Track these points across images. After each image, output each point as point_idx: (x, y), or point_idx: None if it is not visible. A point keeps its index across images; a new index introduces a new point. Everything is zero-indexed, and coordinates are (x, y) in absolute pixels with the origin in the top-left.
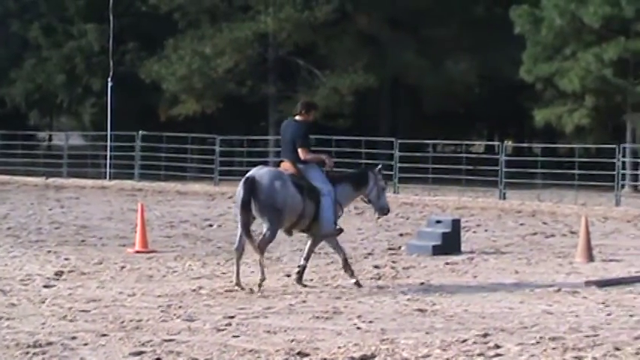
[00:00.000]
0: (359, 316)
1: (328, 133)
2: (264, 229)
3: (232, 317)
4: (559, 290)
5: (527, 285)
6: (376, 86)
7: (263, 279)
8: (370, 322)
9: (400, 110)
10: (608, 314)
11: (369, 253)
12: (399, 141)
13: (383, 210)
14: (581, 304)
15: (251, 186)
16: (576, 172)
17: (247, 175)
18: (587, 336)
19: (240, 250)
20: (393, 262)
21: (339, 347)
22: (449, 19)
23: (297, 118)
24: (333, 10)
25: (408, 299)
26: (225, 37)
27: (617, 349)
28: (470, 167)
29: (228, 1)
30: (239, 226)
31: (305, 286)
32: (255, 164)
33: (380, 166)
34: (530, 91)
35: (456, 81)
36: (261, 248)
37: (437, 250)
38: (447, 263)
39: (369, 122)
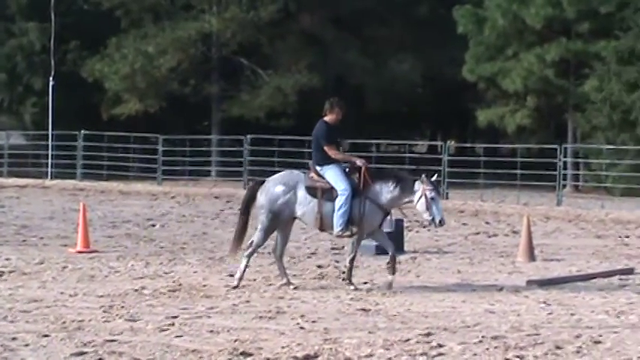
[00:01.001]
0: (302, 316)
1: (272, 132)
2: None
3: (175, 317)
4: (501, 289)
5: (470, 284)
6: (320, 86)
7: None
8: (313, 321)
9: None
10: (550, 313)
11: (313, 253)
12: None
13: (433, 222)
14: (523, 303)
15: (253, 188)
16: (518, 172)
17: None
18: (529, 335)
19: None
20: (337, 261)
21: (283, 347)
22: (392, 19)
23: (325, 117)
24: (278, 10)
25: (352, 299)
26: (169, 36)
27: (558, 347)
28: (413, 167)
29: (172, 0)
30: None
31: (356, 288)
32: (198, 164)
33: (435, 175)
34: (472, 91)
35: (399, 81)
36: (249, 253)
37: (380, 250)
38: (388, 263)
39: (313, 122)
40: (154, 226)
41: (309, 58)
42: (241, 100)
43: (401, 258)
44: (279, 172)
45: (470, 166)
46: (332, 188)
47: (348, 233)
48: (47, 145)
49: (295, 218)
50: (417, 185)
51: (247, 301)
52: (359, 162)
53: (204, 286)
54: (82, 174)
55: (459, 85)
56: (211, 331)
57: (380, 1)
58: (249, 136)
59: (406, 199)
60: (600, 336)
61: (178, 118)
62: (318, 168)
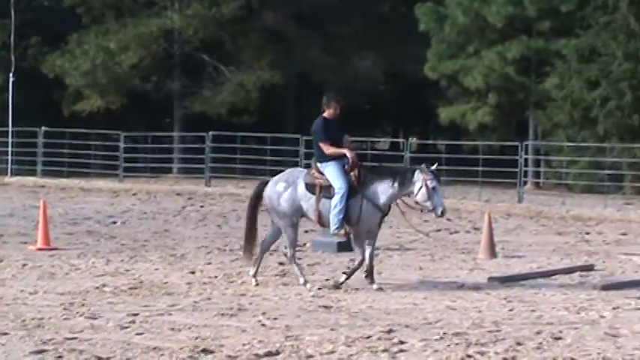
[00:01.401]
0: (264, 313)
1: (234, 129)
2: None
3: (136, 315)
4: (462, 286)
5: (432, 281)
6: (282, 83)
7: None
8: (275, 318)
9: (306, 107)
10: (511, 310)
11: (274, 250)
12: (305, 137)
13: (436, 212)
14: (484, 299)
15: (258, 188)
16: (480, 169)
17: None
18: (490, 331)
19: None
20: (299, 258)
21: (244, 344)
22: (354, 16)
23: (324, 113)
24: (240, 7)
25: (313, 296)
26: (130, 32)
27: (519, 343)
28: (375, 164)
29: None
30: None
31: (380, 288)
32: (160, 161)
33: (435, 165)
34: (434, 89)
35: (361, 78)
36: (291, 255)
37: (342, 247)
38: (352, 260)
39: (275, 119)
40: (115, 223)
41: (271, 55)
42: (203, 97)
43: None
44: (241, 169)
45: (431, 163)
46: (330, 185)
47: (343, 232)
48: (7, 142)
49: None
50: (417, 175)
51: (209, 299)
52: (348, 153)
53: (166, 283)
54: (42, 171)
55: (420, 83)
56: (172, 329)
57: None
58: (211, 133)
59: (406, 191)
60: (561, 332)
61: (140, 115)
62: (319, 164)
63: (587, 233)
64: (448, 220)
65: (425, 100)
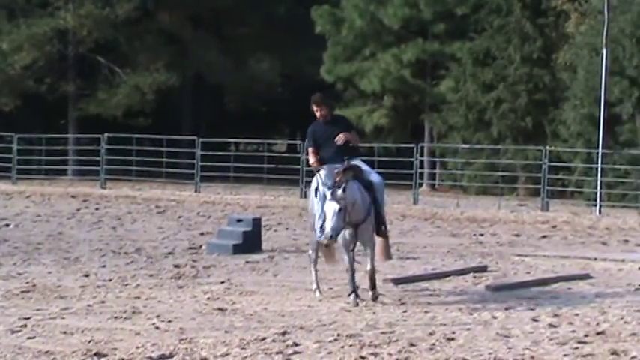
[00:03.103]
0: (158, 316)
1: (129, 131)
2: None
3: (28, 318)
4: (357, 288)
5: (326, 283)
6: (178, 85)
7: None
8: (169, 321)
9: (202, 109)
10: (405, 311)
11: (170, 252)
12: (201, 140)
13: None
14: (379, 301)
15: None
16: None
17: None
18: (384, 332)
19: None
20: (194, 260)
21: (137, 347)
22: (251, 18)
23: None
24: (135, 8)
25: (208, 298)
26: (23, 32)
27: (412, 344)
28: (271, 166)
29: None
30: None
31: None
32: (54, 163)
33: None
34: (331, 91)
35: (258, 80)
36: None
37: (237, 249)
38: (248, 262)
39: (171, 121)
40: (8, 225)
41: (167, 57)
42: (99, 99)
43: (258, 257)
44: (137, 171)
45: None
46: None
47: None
48: None
49: None
50: None
51: (102, 302)
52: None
53: (59, 286)
54: None
55: (317, 85)
56: (65, 332)
57: (239, 0)
58: (106, 135)
59: None
60: (454, 333)
61: (34, 117)
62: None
63: (481, 235)
64: None
65: None
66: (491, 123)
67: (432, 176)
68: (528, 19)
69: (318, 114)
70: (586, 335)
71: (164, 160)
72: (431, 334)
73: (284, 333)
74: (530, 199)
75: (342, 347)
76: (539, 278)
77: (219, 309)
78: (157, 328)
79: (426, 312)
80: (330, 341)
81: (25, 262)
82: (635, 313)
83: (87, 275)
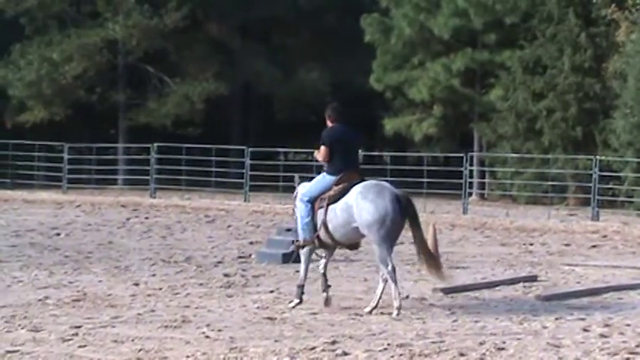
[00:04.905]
0: (208, 325)
1: (179, 141)
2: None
3: (79, 327)
4: (407, 297)
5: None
6: (227, 94)
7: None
8: (219, 330)
9: (251, 118)
10: (454, 320)
11: (219, 262)
12: (251, 149)
13: None
14: (429, 310)
15: (407, 206)
16: (425, 180)
17: (392, 193)
18: (434, 342)
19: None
20: (243, 270)
21: (188, 356)
22: (300, 27)
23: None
24: (183, 18)
25: (258, 307)
26: (74, 42)
27: (462, 354)
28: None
29: (77, 7)
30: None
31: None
32: (104, 172)
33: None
34: (380, 100)
35: (307, 89)
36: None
37: (287, 258)
38: (297, 271)
39: (221, 130)
40: (58, 234)
41: (216, 66)
42: (148, 108)
43: None
44: (187, 180)
45: (377, 174)
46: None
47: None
48: None
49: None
50: None
51: (152, 311)
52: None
53: (109, 295)
54: None
55: (366, 94)
56: (115, 341)
57: (288, 9)
58: (156, 144)
59: None
60: (504, 343)
61: (84, 126)
62: None
63: (531, 244)
64: None
65: (370, 111)
66: (542, 132)
67: (482, 185)
68: (580, 27)
69: (329, 121)
70: (637, 346)
71: (213, 169)
72: (481, 343)
73: (333, 342)
74: (581, 209)
75: (392, 357)
76: (589, 288)
77: (269, 318)
78: (207, 337)
79: (476, 322)
80: (380, 351)
81: (75, 270)
82: None
83: (137, 284)
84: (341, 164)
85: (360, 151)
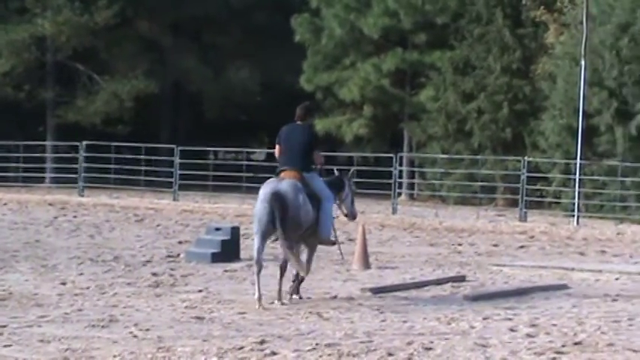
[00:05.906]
0: (136, 324)
1: (108, 139)
2: (280, 243)
3: (4, 326)
4: (335, 297)
5: (305, 292)
6: (157, 92)
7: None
8: (147, 330)
9: (181, 117)
10: (383, 320)
11: (148, 261)
12: (180, 148)
13: (354, 215)
14: (357, 310)
15: (281, 202)
16: (354, 180)
17: (270, 189)
18: (362, 342)
19: (259, 264)
20: (172, 269)
21: (115, 356)
22: (231, 26)
23: (300, 122)
24: (114, 15)
25: (186, 307)
26: (1, 39)
27: (390, 354)
28: (250, 175)
29: (4, 3)
30: (258, 240)
31: (301, 297)
32: (32, 170)
33: (352, 171)
34: (310, 100)
35: (237, 88)
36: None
37: (216, 258)
38: (226, 271)
39: (150, 129)
40: None
41: (146, 64)
42: (77, 106)
43: (237, 266)
44: (116, 179)
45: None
46: (314, 193)
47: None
48: None
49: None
50: (345, 183)
51: (80, 310)
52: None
53: (36, 294)
54: None
55: (297, 94)
56: (42, 341)
57: (219, 8)
58: (84, 143)
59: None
60: (432, 342)
61: (12, 124)
62: (306, 175)
63: (460, 244)
64: None
65: None
66: (472, 133)
67: (411, 186)
68: (508, 28)
69: (310, 122)
70: (563, 345)
71: (142, 168)
72: (409, 343)
73: (262, 342)
74: (509, 210)
75: (321, 356)
76: (517, 288)
77: (197, 318)
78: (135, 336)
79: (404, 322)
80: (309, 350)
81: (1, 269)
82: (612, 324)
83: (64, 283)
84: (282, 162)
85: (317, 151)
